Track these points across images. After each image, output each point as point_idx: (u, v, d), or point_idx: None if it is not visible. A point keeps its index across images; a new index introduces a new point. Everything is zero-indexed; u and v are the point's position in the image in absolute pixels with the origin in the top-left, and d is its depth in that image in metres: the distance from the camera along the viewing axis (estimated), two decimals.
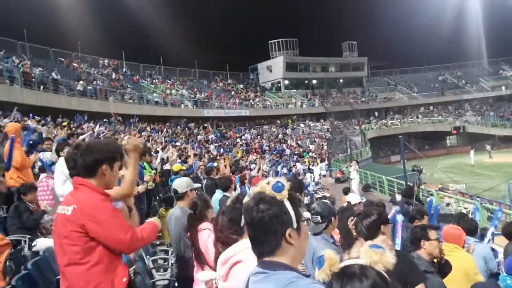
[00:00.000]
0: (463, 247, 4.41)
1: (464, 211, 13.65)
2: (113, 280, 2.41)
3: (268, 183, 1.65)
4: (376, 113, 53.10)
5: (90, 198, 2.44)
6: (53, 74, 25.38)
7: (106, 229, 2.36)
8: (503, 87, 57.12)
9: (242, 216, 1.76)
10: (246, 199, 1.68)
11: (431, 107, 55.06)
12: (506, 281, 3.95)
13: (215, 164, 10.48)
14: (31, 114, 15.91)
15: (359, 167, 19.38)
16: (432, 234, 3.44)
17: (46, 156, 7.47)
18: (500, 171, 28.49)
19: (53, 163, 7.11)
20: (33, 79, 22.33)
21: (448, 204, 14.68)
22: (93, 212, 2.37)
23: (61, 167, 6.14)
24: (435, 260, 3.43)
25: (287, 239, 1.57)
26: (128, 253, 2.49)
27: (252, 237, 1.62)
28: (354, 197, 6.01)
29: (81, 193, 2.48)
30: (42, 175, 6.77)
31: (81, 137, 10.07)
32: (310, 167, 25.81)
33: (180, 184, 4.29)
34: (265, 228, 1.56)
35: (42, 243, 4.80)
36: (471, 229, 5.23)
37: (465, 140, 51.37)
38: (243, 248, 2.04)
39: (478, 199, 14.25)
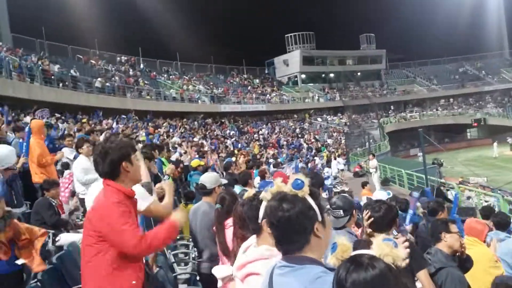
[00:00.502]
0: (484, 241, 4.33)
1: (485, 204, 13.46)
2: (121, 283, 2.45)
3: (283, 182, 1.68)
4: (394, 106, 52.42)
5: (107, 198, 2.50)
6: (72, 71, 25.75)
7: (113, 231, 2.40)
8: None
9: (260, 213, 1.77)
10: (264, 198, 1.69)
11: (451, 99, 54.06)
12: None
13: (234, 159, 10.48)
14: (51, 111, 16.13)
15: (377, 160, 19.11)
16: (453, 227, 3.40)
17: (66, 152, 7.57)
18: None
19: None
20: (53, 76, 22.69)
21: (469, 198, 14.46)
22: (102, 213, 2.45)
23: (80, 164, 6.24)
24: (456, 254, 3.39)
25: (316, 234, 1.59)
26: (133, 257, 2.46)
27: (279, 236, 1.62)
28: (381, 194, 5.89)
29: (103, 193, 2.55)
30: (66, 172, 6.88)
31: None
32: (328, 161, 25.66)
33: (209, 179, 4.27)
34: (294, 227, 1.57)
35: (66, 238, 4.88)
36: (502, 223, 5.12)
37: (486, 133, 50.33)
38: (258, 256, 2.03)
39: (500, 192, 13.98)
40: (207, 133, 27.97)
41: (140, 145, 8.16)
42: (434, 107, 52.71)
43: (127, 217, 2.44)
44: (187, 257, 5.64)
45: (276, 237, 1.63)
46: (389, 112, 50.46)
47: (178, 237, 6.54)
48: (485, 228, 4.44)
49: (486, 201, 13.77)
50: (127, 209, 2.50)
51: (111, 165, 2.55)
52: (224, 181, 4.59)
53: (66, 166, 7.18)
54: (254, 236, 2.21)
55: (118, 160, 2.55)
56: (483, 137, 50.56)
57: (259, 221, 1.94)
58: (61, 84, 23.07)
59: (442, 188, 13.23)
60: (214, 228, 3.53)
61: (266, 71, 54.36)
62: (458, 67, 60.64)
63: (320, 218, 1.61)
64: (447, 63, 61.69)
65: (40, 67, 22.14)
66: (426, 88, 55.68)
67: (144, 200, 2.98)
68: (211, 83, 42.73)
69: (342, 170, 24.07)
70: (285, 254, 1.62)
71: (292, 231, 1.57)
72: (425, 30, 66.39)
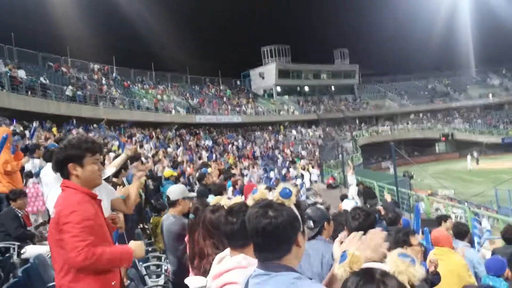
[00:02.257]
0: (453, 248, 4.41)
1: (453, 215, 13.84)
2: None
3: (268, 190, 1.66)
4: (366, 120, 53.48)
5: (69, 199, 2.36)
6: (42, 78, 25.10)
7: (67, 232, 2.24)
8: (490, 95, 57.94)
9: (248, 229, 1.70)
10: (250, 208, 1.66)
11: (421, 115, 55.61)
12: (486, 280, 4.02)
13: (209, 170, 10.41)
14: (14, 120, 15.67)
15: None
16: (414, 239, 3.35)
17: (36, 163, 7.35)
18: (487, 177, 28.82)
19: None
20: (21, 84, 22.05)
21: (437, 209, 14.84)
22: (64, 213, 2.29)
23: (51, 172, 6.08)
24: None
25: (298, 243, 1.59)
26: (77, 267, 2.24)
27: (260, 244, 1.59)
28: (349, 203, 5.97)
29: (64, 195, 2.42)
30: (30, 180, 6.68)
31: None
32: (302, 173, 25.83)
33: (173, 191, 4.24)
34: (279, 236, 1.55)
35: (31, 251, 4.71)
36: (462, 233, 5.25)
37: (453, 147, 52.02)
38: (235, 265, 2.00)
39: (466, 204, 14.40)
40: (182, 143, 27.73)
41: (112, 154, 8.00)
42: (405, 121, 54.06)
43: (86, 224, 2.26)
44: (159, 269, 5.53)
45: (257, 244, 1.60)
46: (362, 125, 51.40)
47: (149, 249, 6.43)
48: (450, 236, 4.52)
49: (453, 213, 14.17)
50: (90, 214, 2.33)
51: (56, 164, 2.43)
52: (192, 195, 4.52)
53: (30, 174, 6.96)
54: (228, 248, 2.17)
55: (63, 161, 2.41)
56: (451, 151, 52.21)
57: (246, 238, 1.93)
58: (29, 92, 22.46)
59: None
60: (179, 241, 3.49)
61: (242, 83, 54.57)
62: (427, 84, 62.57)
63: (301, 229, 1.61)
64: (417, 80, 63.55)
65: (9, 74, 21.50)
66: (397, 103, 57.08)
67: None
68: (186, 94, 42.51)
69: (316, 181, 24.26)
70: (263, 262, 1.60)
71: (277, 239, 1.56)
72: (397, 47, 68.23)
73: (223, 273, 2.03)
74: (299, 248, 1.60)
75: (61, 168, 2.43)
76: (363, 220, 2.96)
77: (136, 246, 2.56)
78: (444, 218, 6.08)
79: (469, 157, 39.24)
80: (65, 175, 2.44)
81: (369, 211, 3.23)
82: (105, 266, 2.34)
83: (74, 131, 18.97)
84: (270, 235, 1.54)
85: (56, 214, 2.34)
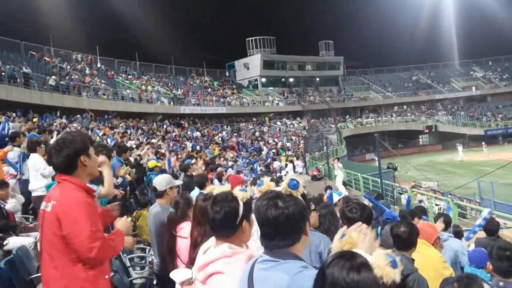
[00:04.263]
0: (433, 244, 4.48)
1: (436, 208, 14.06)
2: (97, 282, 2.37)
3: (273, 181, 1.77)
4: (351, 112, 53.84)
5: (71, 194, 2.38)
6: (23, 68, 24.62)
7: (76, 230, 2.27)
8: (474, 88, 58.84)
9: (257, 220, 1.76)
10: (258, 200, 1.75)
11: (405, 107, 56.22)
12: (468, 271, 4.11)
13: (193, 161, 10.38)
14: None
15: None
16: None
17: (14, 152, 7.23)
18: (470, 169, 29.37)
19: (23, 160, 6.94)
20: (3, 73, 21.61)
21: (420, 201, 15.05)
22: (69, 210, 2.31)
23: (35, 164, 6.02)
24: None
25: (306, 232, 1.69)
26: (87, 263, 2.31)
27: (271, 234, 1.67)
28: (334, 195, 5.99)
29: (63, 189, 2.42)
30: (5, 169, 6.62)
31: None
32: (286, 163, 25.95)
33: (160, 181, 4.23)
34: (291, 226, 1.64)
35: (14, 242, 4.67)
36: (445, 223, 5.38)
37: (437, 139, 52.82)
38: (220, 255, 2.01)
39: (450, 196, 14.62)
40: (166, 135, 27.55)
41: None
42: (389, 113, 54.59)
43: (93, 219, 2.34)
44: (143, 261, 5.53)
45: (267, 233, 1.68)
46: (346, 117, 51.75)
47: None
48: (435, 233, 4.58)
49: (437, 205, 14.39)
50: (94, 208, 2.41)
51: (67, 158, 2.44)
52: (178, 183, 4.54)
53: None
54: (213, 238, 2.18)
55: (75, 153, 2.46)
56: (434, 143, 53.02)
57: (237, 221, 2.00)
58: (11, 81, 22.03)
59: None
60: (166, 230, 3.51)
61: (227, 74, 54.35)
62: (411, 76, 63.19)
63: (308, 218, 1.73)
64: (401, 72, 64.17)
65: None
66: (381, 95, 57.55)
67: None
68: (171, 84, 42.18)
69: (300, 173, 24.40)
70: (272, 250, 1.67)
71: (288, 229, 1.64)
72: (381, 40, 68.99)
73: (208, 263, 2.03)
74: (306, 237, 1.71)
75: (71, 161, 2.46)
76: (360, 215, 3.01)
77: (122, 225, 2.68)
78: (417, 214, 6.07)
79: (460, 148, 39.58)
80: (72, 168, 2.46)
81: (363, 204, 3.28)
82: (112, 254, 2.50)
83: (57, 122, 18.68)
84: (282, 225, 1.63)
85: (57, 208, 2.33)
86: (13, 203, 5.69)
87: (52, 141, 7.80)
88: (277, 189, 1.76)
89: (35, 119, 16.64)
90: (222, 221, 2.02)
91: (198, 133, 32.40)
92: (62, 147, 2.44)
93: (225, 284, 1.91)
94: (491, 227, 5.69)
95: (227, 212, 2.01)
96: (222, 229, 2.06)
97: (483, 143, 40.74)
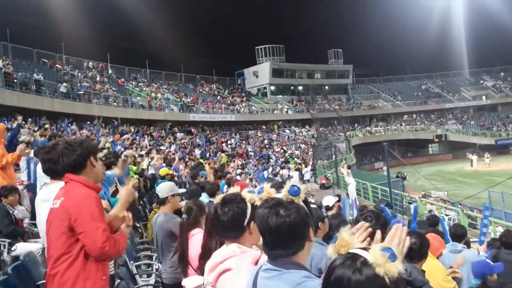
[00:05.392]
0: (438, 257, 4.41)
1: (446, 218, 13.88)
2: (94, 281, 2.39)
3: (274, 188, 1.72)
4: (360, 120, 53.62)
5: (79, 191, 2.44)
6: (35, 75, 24.91)
7: (86, 225, 2.33)
8: (484, 97, 58.36)
9: (259, 229, 1.73)
10: (259, 208, 1.70)
11: (414, 115, 55.87)
12: (471, 282, 4.06)
13: (206, 171, 10.40)
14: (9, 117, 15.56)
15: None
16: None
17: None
18: (481, 179, 29.00)
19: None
20: (15, 80, 21.91)
21: (430, 211, 14.89)
22: (78, 205, 2.37)
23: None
24: None
25: (310, 238, 1.64)
26: (98, 257, 2.38)
27: (274, 243, 1.62)
28: (330, 198, 5.90)
29: (71, 187, 2.48)
30: (17, 175, 6.67)
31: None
32: (295, 172, 25.86)
33: (162, 188, 4.24)
34: (294, 234, 1.59)
35: (22, 248, 4.68)
36: (459, 235, 5.25)
37: (447, 148, 52.35)
38: (230, 254, 2.03)
39: (460, 206, 14.46)
40: (175, 142, 27.63)
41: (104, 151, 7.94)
42: (398, 122, 54.28)
43: (101, 213, 2.42)
44: (150, 269, 5.52)
45: (270, 242, 1.63)
46: (355, 125, 51.55)
47: (141, 248, 6.42)
48: (441, 247, 4.49)
49: (446, 215, 14.23)
50: (102, 205, 2.48)
51: (80, 157, 2.51)
52: (181, 191, 4.53)
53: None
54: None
55: (87, 153, 2.54)
56: (444, 152, 52.54)
57: (245, 223, 2.01)
58: (23, 88, 22.31)
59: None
60: (172, 239, 3.49)
61: (236, 82, 54.52)
62: (420, 85, 62.82)
63: (312, 223, 1.67)
64: (411, 80, 63.83)
65: (3, 70, 21.34)
66: (390, 103, 57.28)
67: None
68: (180, 92, 42.42)
69: (309, 181, 24.31)
70: (275, 259, 1.63)
71: (291, 237, 1.60)
72: (391, 48, 68.71)
73: (218, 264, 2.05)
74: (311, 243, 1.67)
75: (82, 162, 2.53)
76: (375, 223, 2.97)
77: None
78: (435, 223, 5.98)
79: (475, 157, 39.14)
80: (81, 167, 2.53)
81: (378, 212, 3.25)
82: (122, 249, 2.57)
83: (68, 129, 18.84)
84: (284, 234, 1.58)
85: (66, 204, 2.39)
86: (22, 210, 5.73)
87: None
88: (278, 195, 1.71)
89: (46, 125, 16.80)
90: (231, 222, 2.04)
91: (200, 141, 32.34)
92: (75, 146, 2.53)
93: (233, 279, 1.92)
94: (507, 240, 5.41)
95: (236, 212, 2.04)
96: (230, 230, 2.08)
97: (486, 153, 40.44)
